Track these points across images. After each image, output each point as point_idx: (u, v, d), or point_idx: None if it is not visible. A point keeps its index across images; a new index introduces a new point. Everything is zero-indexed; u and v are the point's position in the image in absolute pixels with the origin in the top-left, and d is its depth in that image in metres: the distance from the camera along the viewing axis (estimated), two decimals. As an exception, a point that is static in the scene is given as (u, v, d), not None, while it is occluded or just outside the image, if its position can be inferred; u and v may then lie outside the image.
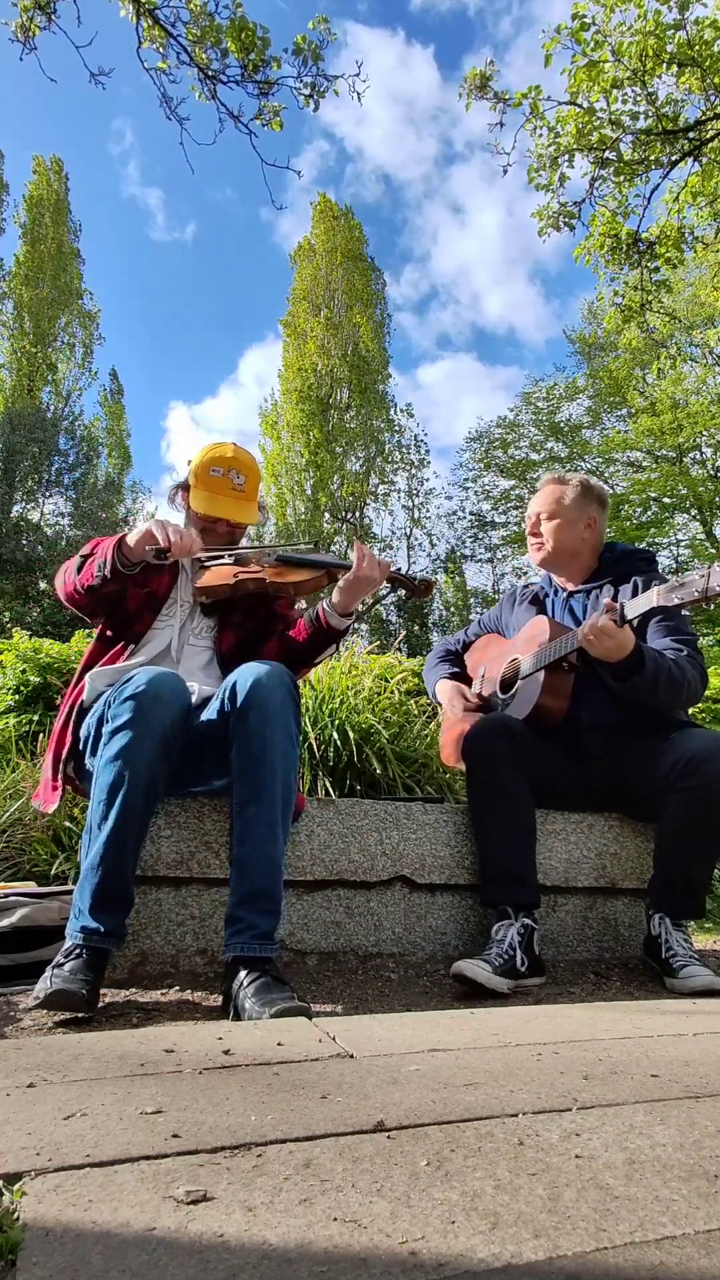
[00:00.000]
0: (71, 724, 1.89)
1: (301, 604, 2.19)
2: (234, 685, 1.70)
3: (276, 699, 1.67)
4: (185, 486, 2.12)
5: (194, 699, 1.86)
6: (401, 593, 2.03)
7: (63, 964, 1.51)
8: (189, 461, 2.12)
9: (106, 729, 1.62)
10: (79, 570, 1.90)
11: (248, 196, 37.79)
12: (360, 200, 34.51)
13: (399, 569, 1.97)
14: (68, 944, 1.56)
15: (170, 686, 1.65)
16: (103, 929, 1.55)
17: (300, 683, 2.96)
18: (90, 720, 1.79)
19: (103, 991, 1.68)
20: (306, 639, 2.00)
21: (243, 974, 1.52)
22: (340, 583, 1.93)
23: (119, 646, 1.97)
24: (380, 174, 34.97)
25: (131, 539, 1.82)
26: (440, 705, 2.47)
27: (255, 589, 1.97)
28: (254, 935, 1.57)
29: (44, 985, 1.46)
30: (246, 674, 1.69)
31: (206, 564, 2.05)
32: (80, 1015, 1.47)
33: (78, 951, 1.53)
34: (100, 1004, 1.60)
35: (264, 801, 1.63)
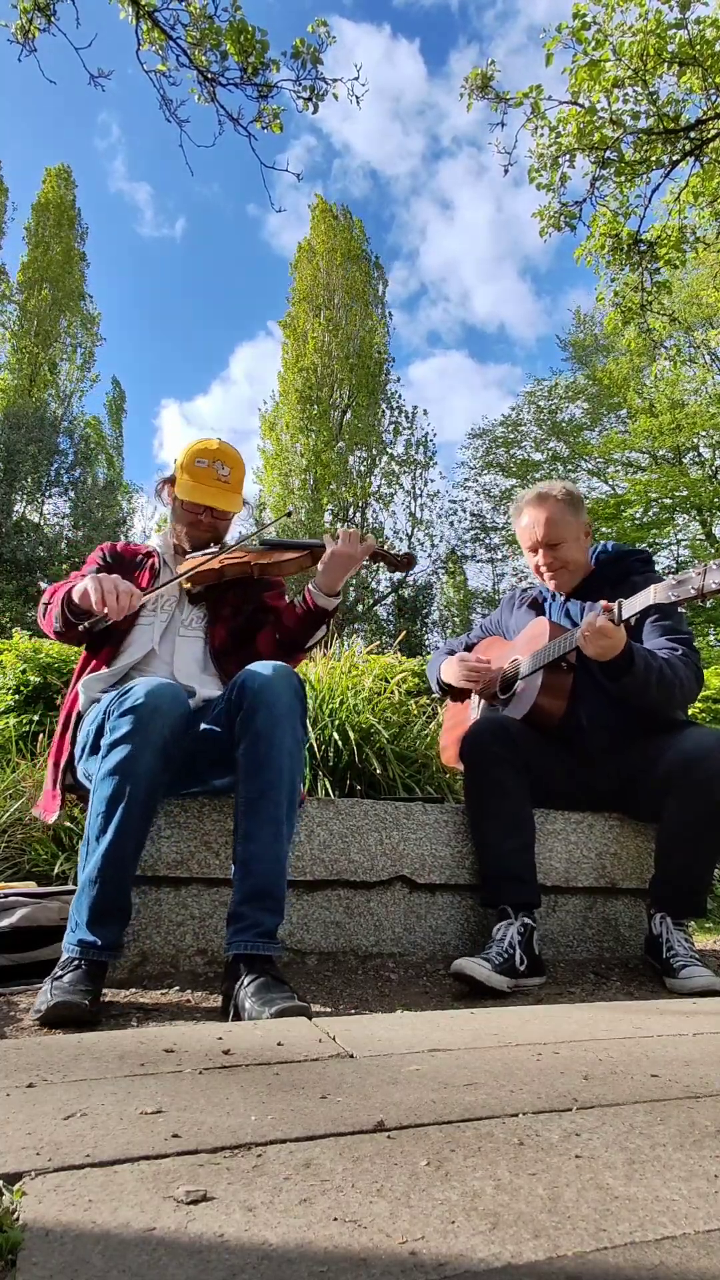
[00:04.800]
0: (69, 732, 1.89)
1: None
2: (241, 685, 1.70)
3: (284, 700, 1.67)
4: (170, 480, 2.14)
5: (193, 703, 1.86)
6: (383, 567, 2.09)
7: (61, 976, 1.51)
8: (175, 460, 2.16)
9: (105, 741, 1.62)
10: (43, 613, 1.94)
11: (235, 192, 37.88)
12: (348, 196, 34.60)
13: (380, 544, 2.02)
14: (65, 956, 1.55)
15: (169, 696, 1.64)
16: (100, 942, 1.54)
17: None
18: (88, 727, 1.78)
19: (103, 992, 1.69)
20: (297, 621, 2.02)
21: (244, 973, 1.52)
22: (323, 561, 1.97)
23: (106, 649, 1.97)
24: (367, 170, 35.02)
25: (76, 593, 1.82)
26: (451, 685, 2.40)
27: (240, 573, 2.00)
28: (258, 933, 1.57)
29: (44, 998, 1.46)
30: (253, 675, 1.70)
31: (190, 554, 2.08)
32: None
33: (76, 963, 1.53)
34: (100, 1004, 1.60)
35: (270, 802, 1.63)
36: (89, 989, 1.49)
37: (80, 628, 1.84)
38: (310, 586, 1.99)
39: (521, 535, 2.28)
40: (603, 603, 1.94)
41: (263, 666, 1.72)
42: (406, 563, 2.12)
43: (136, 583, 2.04)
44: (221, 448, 2.09)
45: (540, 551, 2.23)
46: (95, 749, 1.71)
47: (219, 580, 2.01)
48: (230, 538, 2.19)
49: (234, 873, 1.64)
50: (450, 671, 2.39)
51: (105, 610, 1.75)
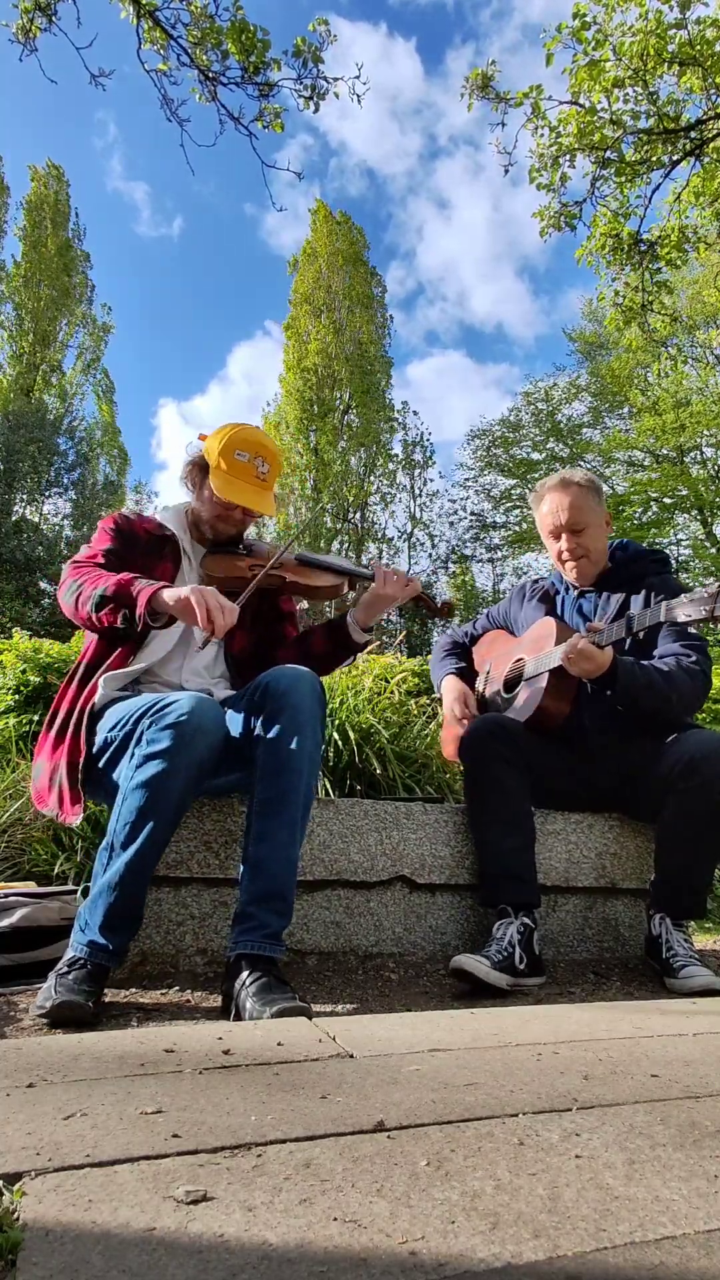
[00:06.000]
0: (84, 730, 1.79)
1: (303, 604, 2.16)
2: (265, 687, 1.70)
3: (308, 704, 1.67)
4: (202, 466, 1.98)
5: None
6: (423, 609, 2.04)
7: (66, 973, 1.51)
8: (201, 435, 2.01)
9: (140, 751, 1.58)
10: (96, 607, 1.72)
11: (232, 192, 37.87)
12: (345, 195, 34.54)
13: (424, 588, 1.95)
14: (71, 954, 1.55)
15: (212, 716, 1.62)
16: (110, 947, 1.55)
17: None
18: (112, 731, 1.71)
19: (104, 993, 1.69)
20: (325, 649, 1.98)
21: (245, 973, 1.52)
22: (364, 597, 1.93)
23: (128, 644, 1.87)
24: (364, 169, 35.02)
25: (169, 597, 1.66)
26: (443, 700, 2.45)
27: (271, 585, 1.93)
28: (265, 935, 1.57)
29: (48, 995, 1.46)
30: (280, 677, 1.69)
31: (212, 546, 2.00)
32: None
33: (82, 963, 1.53)
34: (101, 1006, 1.61)
35: (287, 804, 1.63)
36: (92, 990, 1.49)
37: (131, 627, 1.70)
38: (349, 619, 1.96)
39: (542, 521, 2.26)
40: (590, 624, 1.98)
41: (287, 669, 1.71)
42: (445, 611, 2.08)
43: (156, 571, 1.93)
44: (262, 440, 1.97)
45: (563, 537, 2.20)
46: (122, 750, 1.66)
47: (244, 588, 1.88)
48: (251, 532, 2.11)
49: (243, 872, 1.64)
50: (447, 702, 2.39)
51: (209, 630, 1.62)
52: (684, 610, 1.81)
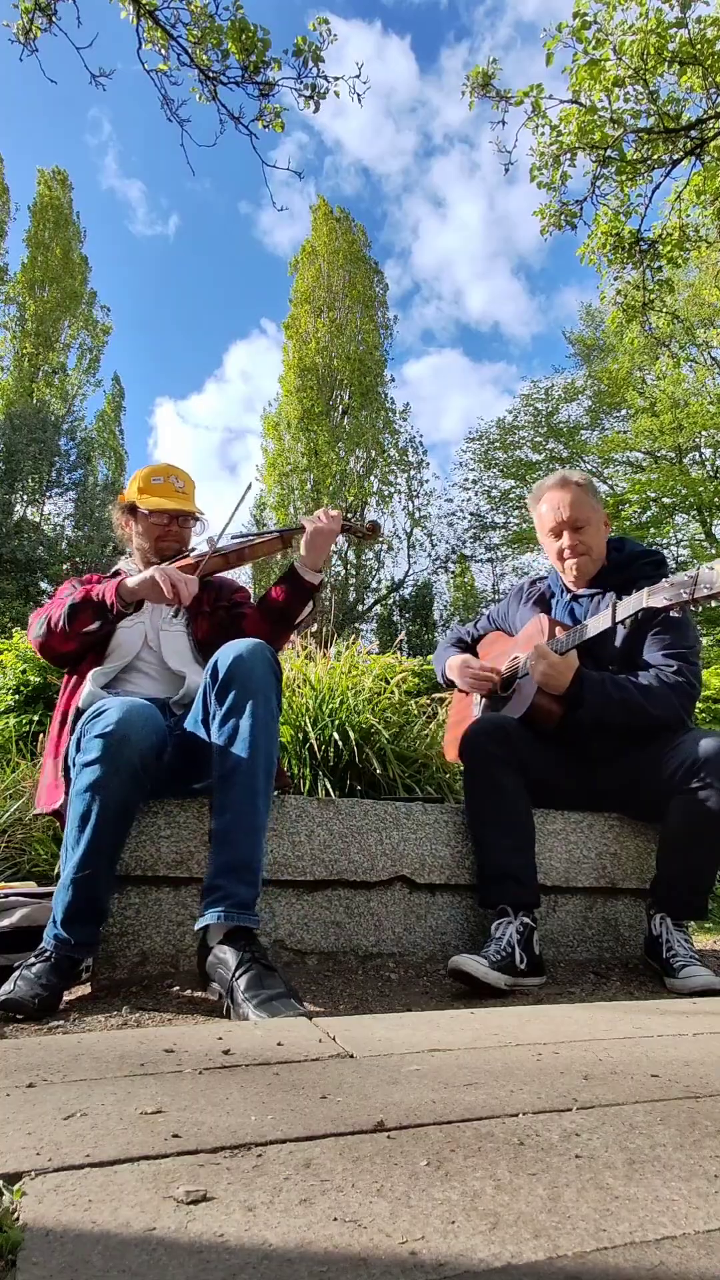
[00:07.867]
0: (69, 726, 1.90)
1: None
2: (215, 663, 1.73)
3: (258, 673, 1.69)
4: (129, 508, 2.19)
5: (184, 691, 1.96)
6: (354, 540, 2.23)
7: (32, 964, 1.58)
8: (121, 496, 2.26)
9: (78, 759, 1.66)
10: (70, 618, 1.92)
11: (227, 190, 37.78)
12: (340, 194, 34.45)
13: (347, 518, 2.18)
14: (41, 945, 1.63)
15: (140, 724, 1.65)
16: (72, 940, 1.60)
17: (301, 681, 3.00)
18: (74, 736, 1.80)
19: (102, 991, 1.71)
20: (283, 596, 2.10)
21: (231, 959, 1.52)
22: (304, 539, 2.09)
23: (90, 657, 2.02)
24: (359, 167, 34.95)
25: (132, 583, 1.89)
26: (454, 684, 2.44)
27: (218, 568, 2.10)
28: (233, 904, 1.57)
29: (8, 986, 1.54)
30: (227, 651, 1.73)
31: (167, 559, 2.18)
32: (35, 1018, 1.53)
33: (48, 955, 1.60)
34: (98, 1003, 1.63)
35: (245, 773, 1.63)
36: (53, 981, 1.56)
37: (105, 622, 1.93)
38: (296, 564, 2.09)
39: (542, 520, 2.25)
40: (557, 628, 2.05)
41: (237, 643, 1.74)
42: (372, 531, 2.23)
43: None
44: (170, 465, 2.24)
45: (565, 534, 2.20)
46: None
47: (194, 573, 2.07)
48: (194, 543, 2.25)
49: (211, 847, 1.65)
50: (454, 672, 2.40)
51: (175, 600, 1.85)
52: (663, 595, 1.82)
